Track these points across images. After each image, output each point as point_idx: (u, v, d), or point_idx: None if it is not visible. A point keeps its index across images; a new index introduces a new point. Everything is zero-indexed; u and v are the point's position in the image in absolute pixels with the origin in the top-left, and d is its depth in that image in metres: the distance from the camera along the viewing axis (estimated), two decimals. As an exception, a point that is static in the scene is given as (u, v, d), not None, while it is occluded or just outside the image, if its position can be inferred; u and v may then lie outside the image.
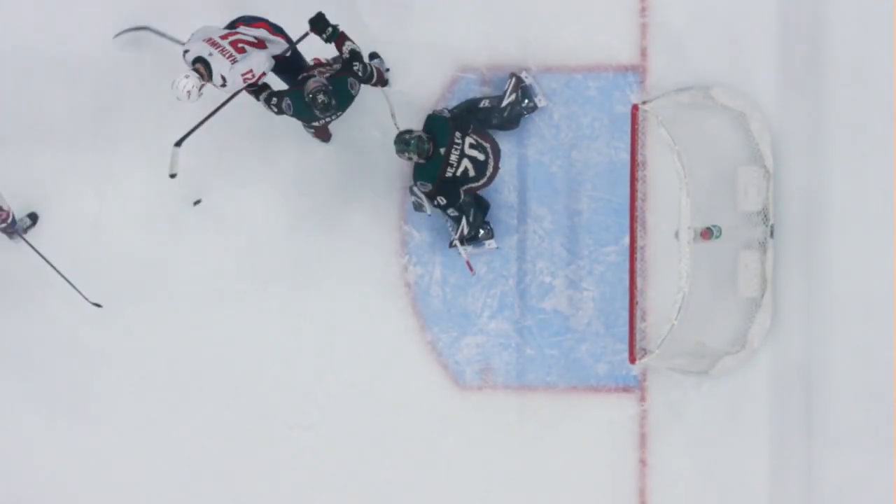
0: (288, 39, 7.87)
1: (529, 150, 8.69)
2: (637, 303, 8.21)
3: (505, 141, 8.66)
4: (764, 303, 8.46)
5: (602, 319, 8.68)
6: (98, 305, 8.49)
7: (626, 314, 8.36)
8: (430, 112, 8.27)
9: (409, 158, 8.08)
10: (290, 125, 8.28)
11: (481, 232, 8.58)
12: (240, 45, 7.72)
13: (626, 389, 8.71)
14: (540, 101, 8.60)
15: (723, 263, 8.46)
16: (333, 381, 8.76)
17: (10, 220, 8.25)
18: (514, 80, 8.57)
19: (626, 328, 8.29)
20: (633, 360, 8.21)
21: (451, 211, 8.34)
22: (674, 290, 8.04)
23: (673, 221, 8.10)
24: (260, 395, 8.75)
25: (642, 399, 8.70)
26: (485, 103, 8.52)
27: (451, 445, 8.70)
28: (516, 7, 8.65)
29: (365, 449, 8.72)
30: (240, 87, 7.79)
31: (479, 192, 8.39)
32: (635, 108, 8.15)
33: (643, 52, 8.63)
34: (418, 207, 8.62)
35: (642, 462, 8.70)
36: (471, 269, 8.50)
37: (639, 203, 8.30)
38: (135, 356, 8.74)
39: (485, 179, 8.26)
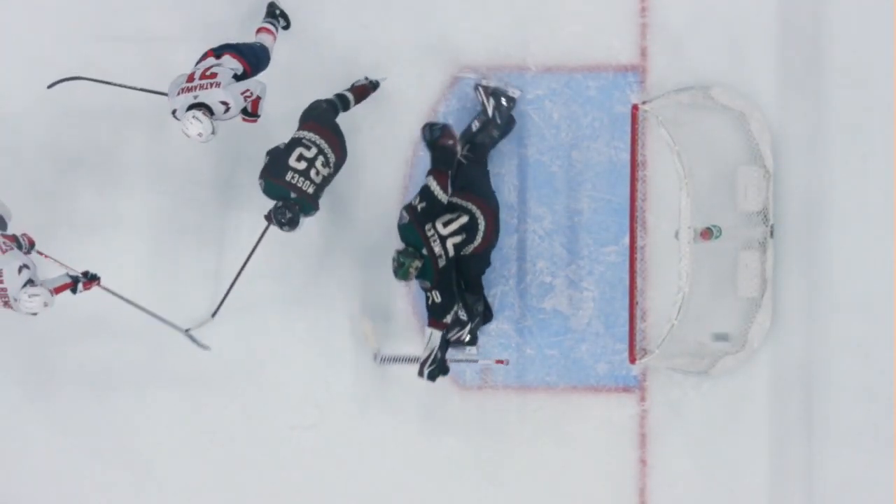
0: (249, 64, 8.04)
1: (529, 150, 8.69)
2: (637, 303, 8.21)
3: (505, 141, 8.67)
4: (764, 303, 8.45)
5: (602, 319, 8.68)
6: (207, 348, 8.60)
7: (626, 314, 8.36)
8: (400, 221, 8.25)
9: (414, 272, 8.11)
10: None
11: (467, 338, 8.56)
12: (208, 72, 7.86)
13: (626, 389, 8.70)
14: (514, 93, 8.59)
15: (723, 263, 8.45)
16: (333, 381, 8.76)
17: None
18: (480, 89, 8.57)
19: (626, 328, 8.28)
20: (633, 360, 8.21)
21: (461, 313, 8.38)
22: (674, 290, 8.04)
23: (673, 221, 8.09)
24: (260, 395, 8.75)
25: (642, 399, 8.70)
26: (475, 125, 8.50)
27: (451, 445, 8.69)
28: (516, 7, 8.65)
29: (365, 449, 8.71)
30: (244, 105, 7.90)
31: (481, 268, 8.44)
32: (635, 108, 8.15)
33: (643, 52, 8.63)
34: (433, 366, 8.43)
35: (642, 462, 8.69)
36: (502, 362, 8.60)
37: (639, 203, 8.30)
38: (134, 356, 8.73)
39: (480, 239, 8.24)
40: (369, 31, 8.68)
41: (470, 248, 8.26)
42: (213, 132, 7.84)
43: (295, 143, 8.06)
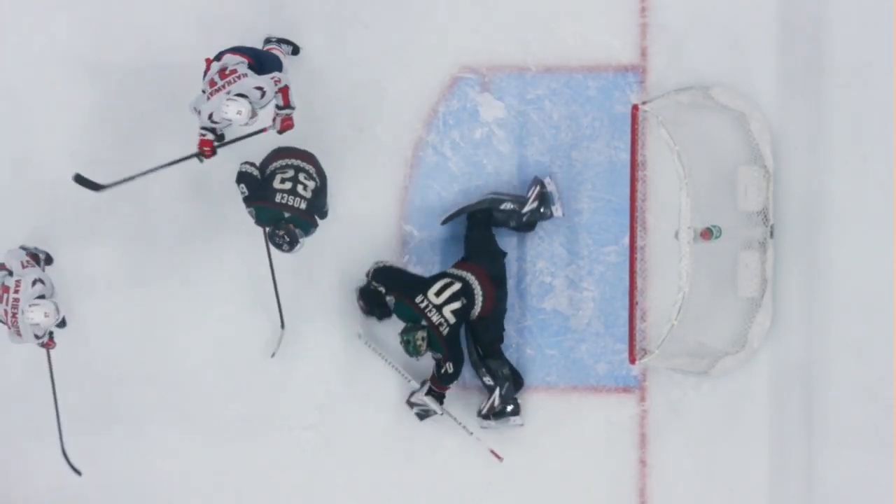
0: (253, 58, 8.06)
1: (529, 150, 8.69)
2: (637, 303, 8.21)
3: (505, 141, 8.67)
4: (764, 303, 8.45)
5: (602, 319, 8.68)
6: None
7: (626, 314, 8.36)
8: (390, 306, 8.30)
9: (423, 344, 8.14)
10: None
11: (509, 407, 8.53)
12: (225, 71, 7.93)
13: (626, 389, 8.71)
14: (556, 211, 8.60)
15: (723, 263, 8.45)
16: (333, 382, 8.76)
17: None
18: (538, 187, 8.56)
19: (626, 328, 8.28)
20: (633, 360, 8.21)
21: (486, 379, 8.40)
22: (674, 290, 8.04)
23: (673, 221, 8.09)
24: (260, 395, 8.74)
25: (642, 399, 8.70)
26: (507, 205, 8.48)
27: (451, 445, 8.69)
28: (516, 7, 8.65)
29: (365, 449, 8.71)
30: (276, 90, 7.97)
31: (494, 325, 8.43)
32: (635, 108, 8.15)
33: (643, 52, 8.63)
34: (424, 416, 8.53)
35: (642, 462, 8.69)
36: (497, 456, 8.54)
37: (639, 203, 8.30)
38: (134, 356, 8.73)
39: (480, 303, 8.23)
40: (370, 30, 8.68)
41: (475, 313, 8.24)
42: (252, 113, 7.87)
43: (271, 175, 8.15)
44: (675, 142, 7.98)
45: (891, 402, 8.44)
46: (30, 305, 7.94)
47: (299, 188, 8.12)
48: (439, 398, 8.42)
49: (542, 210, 8.55)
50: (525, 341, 8.72)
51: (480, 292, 8.25)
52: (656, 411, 8.67)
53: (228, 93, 7.88)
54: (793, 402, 8.55)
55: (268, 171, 8.21)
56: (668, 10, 8.52)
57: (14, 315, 8.00)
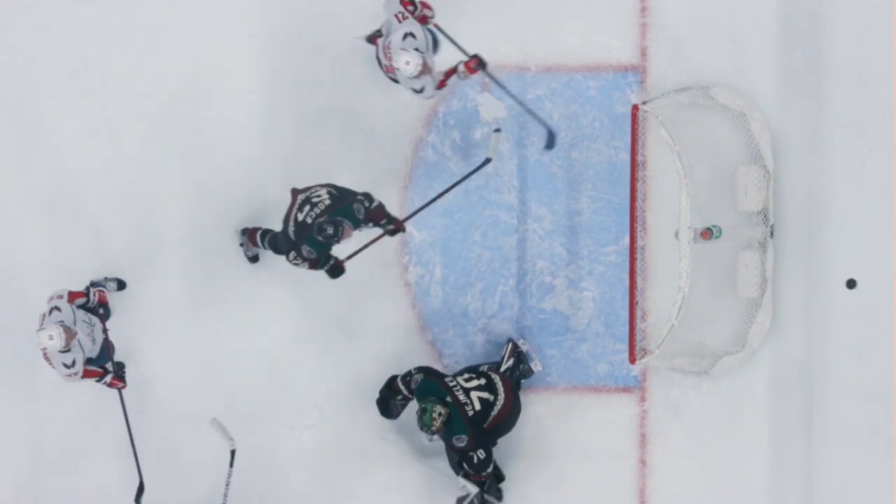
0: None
1: (529, 150, 8.69)
2: (637, 303, 8.22)
3: (505, 142, 8.68)
4: (764, 303, 8.46)
5: (602, 319, 8.68)
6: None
7: (626, 314, 8.37)
8: (414, 385, 8.15)
9: (434, 432, 7.97)
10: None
11: (492, 500, 8.48)
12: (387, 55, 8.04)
13: (626, 389, 8.71)
14: (535, 366, 8.62)
15: (723, 263, 8.46)
16: (333, 381, 8.76)
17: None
18: (510, 345, 8.58)
19: (626, 328, 8.29)
20: (633, 360, 8.22)
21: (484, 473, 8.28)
22: (674, 290, 8.04)
23: (673, 221, 8.10)
24: (260, 395, 8.74)
25: (642, 399, 8.70)
26: (483, 368, 8.42)
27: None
28: (516, 7, 8.65)
29: (365, 449, 8.71)
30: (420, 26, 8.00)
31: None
32: (635, 108, 8.16)
33: (643, 52, 8.64)
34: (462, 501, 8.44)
35: (642, 462, 8.70)
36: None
37: (639, 203, 8.31)
38: (134, 357, 8.73)
39: (503, 399, 8.09)
40: (370, 30, 8.68)
41: (496, 410, 8.08)
42: (417, 60, 7.83)
43: (295, 223, 8.03)
44: (675, 142, 7.99)
45: (891, 403, 8.44)
46: (38, 331, 7.79)
47: (314, 201, 7.97)
48: (482, 493, 8.31)
49: (520, 367, 8.55)
50: (525, 341, 8.72)
51: (502, 391, 8.11)
52: (656, 411, 8.67)
53: (390, 58, 7.95)
54: (793, 402, 8.56)
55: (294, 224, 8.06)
56: (668, 10, 8.53)
57: (44, 352, 7.89)
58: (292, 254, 8.01)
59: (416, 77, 7.88)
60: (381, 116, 8.71)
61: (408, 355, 8.73)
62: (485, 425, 8.04)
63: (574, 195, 8.71)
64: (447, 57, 8.17)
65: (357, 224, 7.97)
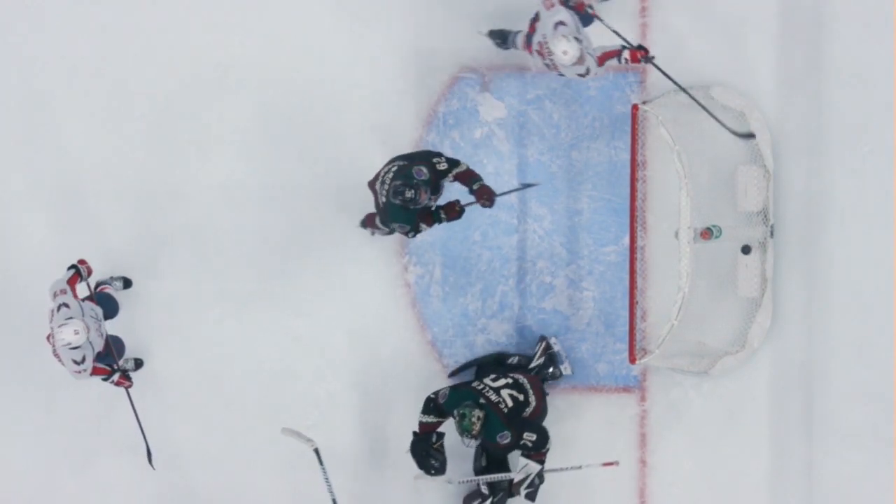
0: None
1: (529, 150, 8.69)
2: (637, 303, 8.22)
3: (505, 141, 8.68)
4: (764, 303, 8.46)
5: (602, 319, 8.68)
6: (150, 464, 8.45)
7: (626, 314, 8.37)
8: (442, 399, 8.09)
9: (474, 437, 7.93)
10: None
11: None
12: (539, 45, 7.87)
13: (626, 389, 8.71)
14: (565, 370, 8.60)
15: (723, 263, 8.45)
16: (333, 381, 8.76)
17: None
18: (543, 344, 8.57)
19: (626, 328, 8.29)
20: (633, 360, 8.22)
21: (483, 487, 8.26)
22: (674, 290, 8.04)
23: (673, 221, 8.10)
24: (260, 395, 8.74)
25: (642, 399, 8.70)
26: (513, 360, 8.47)
27: (450, 445, 8.67)
28: (516, 7, 8.64)
29: (365, 449, 8.71)
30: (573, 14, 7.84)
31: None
32: (635, 108, 8.16)
33: (643, 52, 8.63)
34: (531, 488, 8.28)
35: (642, 462, 8.69)
36: (612, 463, 8.44)
37: (639, 203, 8.31)
38: (135, 356, 8.73)
39: (533, 400, 8.09)
40: (370, 30, 8.69)
41: (528, 411, 8.09)
42: (575, 49, 7.72)
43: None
44: (675, 142, 7.98)
45: (891, 402, 8.44)
46: (59, 327, 7.75)
47: (384, 179, 7.90)
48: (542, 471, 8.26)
49: (550, 370, 8.54)
50: (525, 341, 8.72)
51: (531, 390, 8.12)
52: (656, 411, 8.67)
53: (544, 36, 7.80)
54: (793, 402, 8.56)
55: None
56: (668, 10, 8.52)
57: (53, 346, 7.87)
58: (394, 225, 8.01)
59: (576, 64, 7.78)
60: (381, 116, 8.71)
61: (408, 355, 8.74)
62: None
63: (574, 195, 8.71)
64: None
65: (427, 184, 7.83)
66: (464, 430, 7.90)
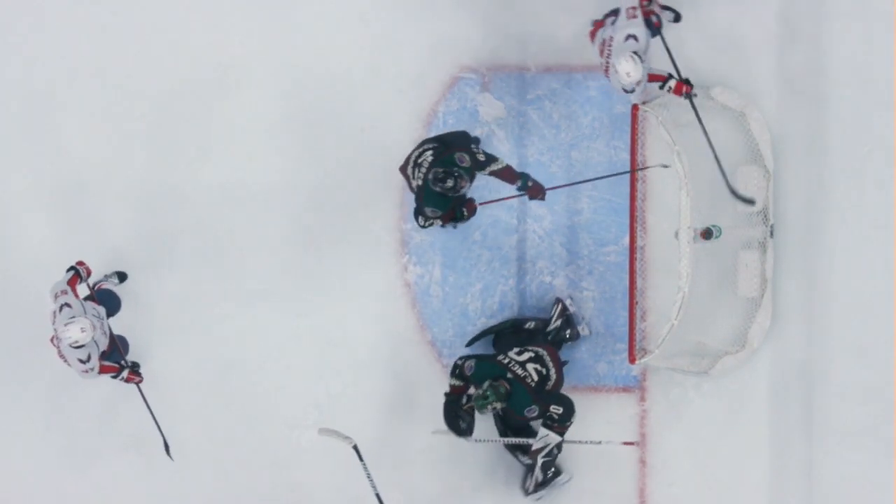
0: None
1: (529, 150, 8.69)
2: (637, 303, 8.22)
3: (505, 141, 8.68)
4: (764, 302, 8.45)
5: (602, 319, 8.68)
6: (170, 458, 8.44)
7: (626, 314, 8.36)
8: (469, 371, 8.11)
9: (496, 408, 7.96)
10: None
11: (551, 471, 8.45)
12: (606, 44, 7.79)
13: (626, 389, 8.70)
14: (583, 331, 8.62)
15: (723, 263, 8.45)
16: (333, 381, 8.76)
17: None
18: (559, 306, 8.58)
19: (626, 328, 8.29)
20: (632, 360, 8.22)
21: (524, 459, 8.34)
22: (674, 290, 8.04)
23: (673, 221, 8.10)
24: (260, 395, 8.75)
25: (642, 399, 8.70)
26: (530, 325, 8.49)
27: (450, 445, 8.69)
28: (516, 7, 8.65)
29: (365, 449, 8.70)
30: (643, 23, 7.75)
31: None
32: (635, 108, 8.16)
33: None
34: (551, 469, 8.39)
35: (642, 462, 8.69)
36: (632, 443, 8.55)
37: (639, 203, 8.30)
38: (134, 355, 8.73)
39: (554, 373, 8.12)
40: (370, 29, 8.69)
41: (549, 384, 8.13)
42: (638, 70, 7.66)
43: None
44: (675, 142, 7.98)
45: (891, 402, 8.44)
46: (65, 325, 7.74)
47: (419, 161, 7.97)
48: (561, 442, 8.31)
49: (568, 332, 8.56)
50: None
51: (551, 363, 8.16)
52: (656, 411, 8.67)
53: (608, 56, 7.73)
54: (793, 402, 8.56)
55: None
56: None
57: (58, 347, 7.88)
58: (420, 218, 8.11)
59: (625, 75, 7.72)
60: (381, 116, 8.71)
61: (408, 355, 8.74)
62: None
63: (574, 195, 8.70)
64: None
65: (468, 172, 7.88)
66: (497, 399, 7.91)
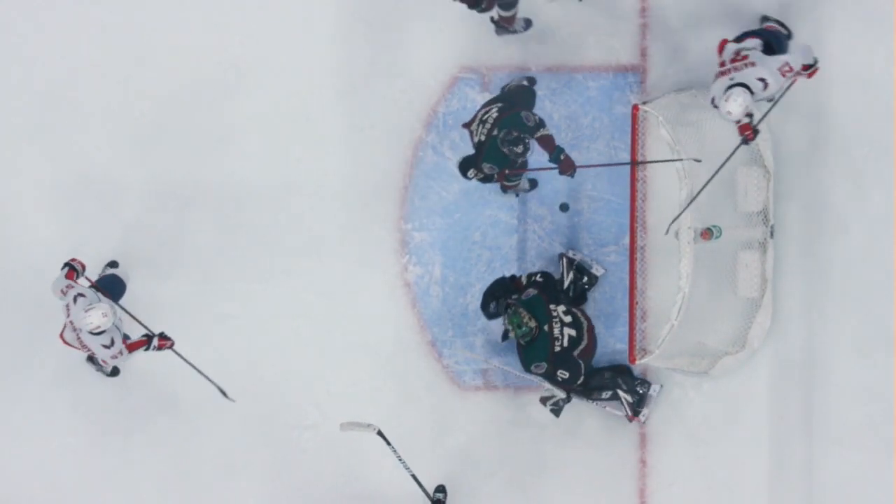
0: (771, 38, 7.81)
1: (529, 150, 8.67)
2: (637, 303, 8.21)
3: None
4: (764, 303, 8.45)
5: (602, 319, 8.67)
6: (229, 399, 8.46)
7: (626, 314, 8.36)
8: (525, 296, 8.16)
9: (523, 330, 7.99)
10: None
11: (640, 390, 8.55)
12: (738, 55, 7.67)
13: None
14: (597, 271, 8.61)
15: (723, 263, 8.45)
16: (333, 381, 8.76)
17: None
18: (564, 260, 8.58)
19: (626, 328, 8.28)
20: (633, 360, 8.21)
21: (605, 394, 8.39)
22: (674, 290, 8.04)
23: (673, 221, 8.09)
24: (260, 395, 8.75)
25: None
26: (561, 299, 8.44)
27: (451, 445, 8.70)
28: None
29: (364, 449, 8.70)
30: (783, 82, 7.63)
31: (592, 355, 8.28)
32: (635, 108, 8.15)
33: (643, 52, 8.63)
34: (558, 410, 8.48)
35: (642, 462, 8.69)
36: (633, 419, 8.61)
37: (639, 203, 8.30)
38: (134, 355, 8.72)
39: (586, 338, 8.15)
40: (371, 29, 8.69)
41: (579, 349, 8.13)
42: (750, 111, 7.59)
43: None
44: (676, 141, 7.98)
45: (891, 402, 8.44)
46: (85, 311, 7.75)
47: (484, 118, 7.97)
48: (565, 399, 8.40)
49: (584, 279, 8.55)
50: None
51: (585, 335, 8.17)
52: (656, 411, 8.67)
53: (732, 79, 7.59)
54: (793, 402, 8.56)
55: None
56: (667, 10, 8.52)
57: (79, 338, 7.88)
58: (472, 171, 8.13)
59: (726, 113, 7.62)
60: (380, 116, 8.71)
61: (408, 355, 8.74)
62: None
63: (574, 195, 8.70)
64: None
65: (529, 131, 7.90)
66: (512, 325, 7.99)
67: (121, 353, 7.92)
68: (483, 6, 8.09)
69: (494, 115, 7.95)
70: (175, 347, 8.13)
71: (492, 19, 8.42)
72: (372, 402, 8.66)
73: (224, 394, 8.33)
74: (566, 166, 8.02)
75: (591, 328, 8.21)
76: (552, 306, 8.09)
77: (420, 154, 8.73)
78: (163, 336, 8.10)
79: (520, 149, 7.89)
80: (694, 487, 8.63)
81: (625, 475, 8.67)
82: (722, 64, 7.72)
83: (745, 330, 8.46)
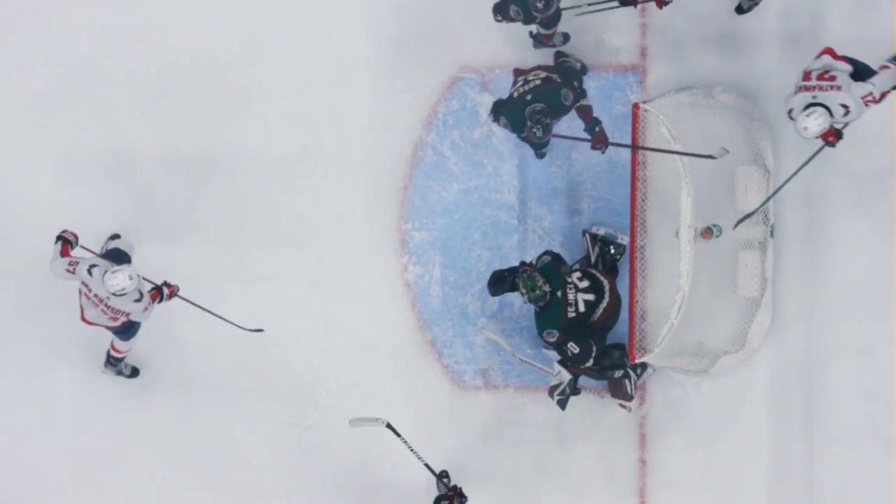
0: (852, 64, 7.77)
1: (529, 150, 8.68)
2: (637, 302, 8.21)
3: (505, 141, 8.68)
4: (764, 302, 8.46)
5: (602, 319, 8.67)
6: (259, 330, 8.49)
7: (626, 314, 8.36)
8: (539, 263, 8.19)
9: (536, 294, 7.99)
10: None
11: (649, 370, 8.57)
12: (826, 75, 7.65)
13: (625, 389, 8.71)
14: (623, 240, 8.59)
15: (723, 263, 8.45)
16: (333, 381, 8.76)
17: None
18: (587, 236, 8.59)
19: (626, 328, 8.28)
20: (633, 359, 8.21)
21: (617, 373, 8.36)
22: (674, 290, 8.04)
23: (673, 221, 8.09)
24: (260, 395, 8.74)
25: (642, 399, 8.69)
26: (575, 266, 8.44)
27: (451, 445, 8.70)
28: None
29: (364, 449, 8.71)
30: (864, 110, 7.66)
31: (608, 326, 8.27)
32: (636, 107, 8.15)
33: (643, 52, 8.64)
34: (564, 401, 8.42)
35: (642, 462, 8.69)
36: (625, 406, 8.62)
37: (639, 203, 8.30)
38: (134, 355, 8.73)
39: (606, 301, 8.15)
40: (370, 30, 8.69)
41: (596, 315, 8.14)
42: (821, 131, 7.60)
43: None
44: (676, 141, 7.98)
45: (891, 402, 8.44)
46: (112, 273, 7.71)
47: (529, 78, 7.99)
48: (574, 382, 8.36)
49: (611, 250, 8.56)
50: (525, 341, 8.72)
51: (607, 293, 8.16)
52: (656, 411, 8.67)
53: (815, 97, 7.60)
54: (793, 402, 8.56)
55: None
56: (668, 10, 8.51)
57: (108, 306, 7.85)
58: (490, 115, 8.13)
59: (802, 129, 7.63)
60: (380, 116, 8.71)
61: (408, 355, 8.74)
62: (588, 324, 8.10)
63: (574, 195, 8.71)
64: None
65: (562, 110, 7.93)
66: (526, 289, 7.98)
67: (149, 304, 7.95)
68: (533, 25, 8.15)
69: (537, 82, 7.95)
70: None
71: (531, 34, 8.43)
72: (372, 402, 8.65)
73: (246, 329, 8.34)
74: (599, 139, 8.04)
75: (613, 287, 8.18)
76: (565, 273, 8.09)
77: (420, 154, 8.74)
78: (167, 284, 8.13)
79: (538, 129, 7.86)
80: (694, 487, 8.64)
81: (625, 475, 8.67)
82: (807, 77, 7.69)
83: (744, 329, 8.47)
